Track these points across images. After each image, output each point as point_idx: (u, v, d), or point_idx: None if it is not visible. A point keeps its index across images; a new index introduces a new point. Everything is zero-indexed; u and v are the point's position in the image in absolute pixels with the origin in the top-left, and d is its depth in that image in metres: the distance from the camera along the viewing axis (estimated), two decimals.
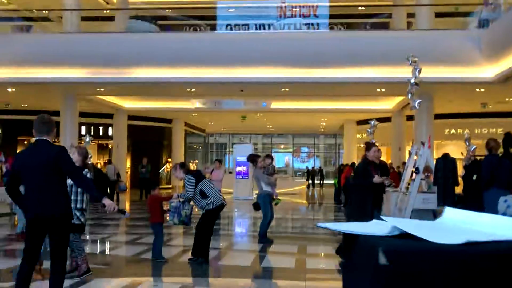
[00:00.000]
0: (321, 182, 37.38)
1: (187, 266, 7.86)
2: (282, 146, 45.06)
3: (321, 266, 8.37)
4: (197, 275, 7.52)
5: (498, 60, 14.49)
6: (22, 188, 4.74)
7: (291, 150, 44.34)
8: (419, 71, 11.80)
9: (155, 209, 8.10)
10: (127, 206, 18.88)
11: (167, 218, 8.13)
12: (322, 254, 9.55)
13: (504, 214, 6.17)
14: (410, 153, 13.53)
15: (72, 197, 6.24)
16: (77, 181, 4.91)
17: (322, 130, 37.42)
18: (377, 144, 15.45)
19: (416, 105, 12.11)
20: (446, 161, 12.28)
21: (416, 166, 12.61)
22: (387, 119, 23.11)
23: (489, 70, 15.10)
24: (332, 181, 30.98)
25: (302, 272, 7.73)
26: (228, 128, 37.55)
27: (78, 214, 6.39)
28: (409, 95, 12.20)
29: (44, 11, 20.85)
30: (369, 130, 16.00)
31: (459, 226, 2.18)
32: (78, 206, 6.41)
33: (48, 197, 4.57)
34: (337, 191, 20.89)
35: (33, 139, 4.78)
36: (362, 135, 28.14)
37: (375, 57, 15.64)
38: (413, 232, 1.99)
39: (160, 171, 28.10)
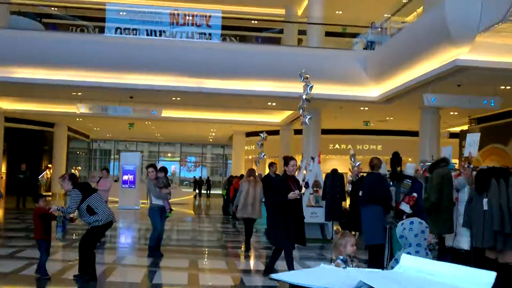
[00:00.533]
0: (208, 192, 37.37)
1: (72, 283, 7.35)
2: (169, 155, 44.43)
3: (214, 281, 8.20)
4: None
5: (382, 81, 15.27)
6: None
7: (178, 159, 43.84)
8: (311, 88, 12.11)
9: (38, 224, 7.46)
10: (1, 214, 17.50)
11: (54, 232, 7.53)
12: (214, 268, 9.40)
13: (401, 236, 6.40)
14: (299, 167, 13.82)
15: None
16: None
17: (211, 140, 37.42)
18: (265, 156, 15.78)
19: (307, 121, 12.41)
20: (335, 177, 12.69)
21: (305, 180, 12.91)
22: (275, 132, 23.56)
23: (374, 90, 15.86)
24: (219, 191, 31.00)
25: None
26: (114, 134, 36.32)
27: None
28: (300, 111, 12.49)
29: None
30: (258, 142, 16.17)
31: (423, 277, 2.15)
32: None
33: None
34: (226, 203, 20.87)
35: None
36: (250, 147, 28.48)
37: (266, 71, 15.75)
38: None
39: (39, 177, 26.40)
